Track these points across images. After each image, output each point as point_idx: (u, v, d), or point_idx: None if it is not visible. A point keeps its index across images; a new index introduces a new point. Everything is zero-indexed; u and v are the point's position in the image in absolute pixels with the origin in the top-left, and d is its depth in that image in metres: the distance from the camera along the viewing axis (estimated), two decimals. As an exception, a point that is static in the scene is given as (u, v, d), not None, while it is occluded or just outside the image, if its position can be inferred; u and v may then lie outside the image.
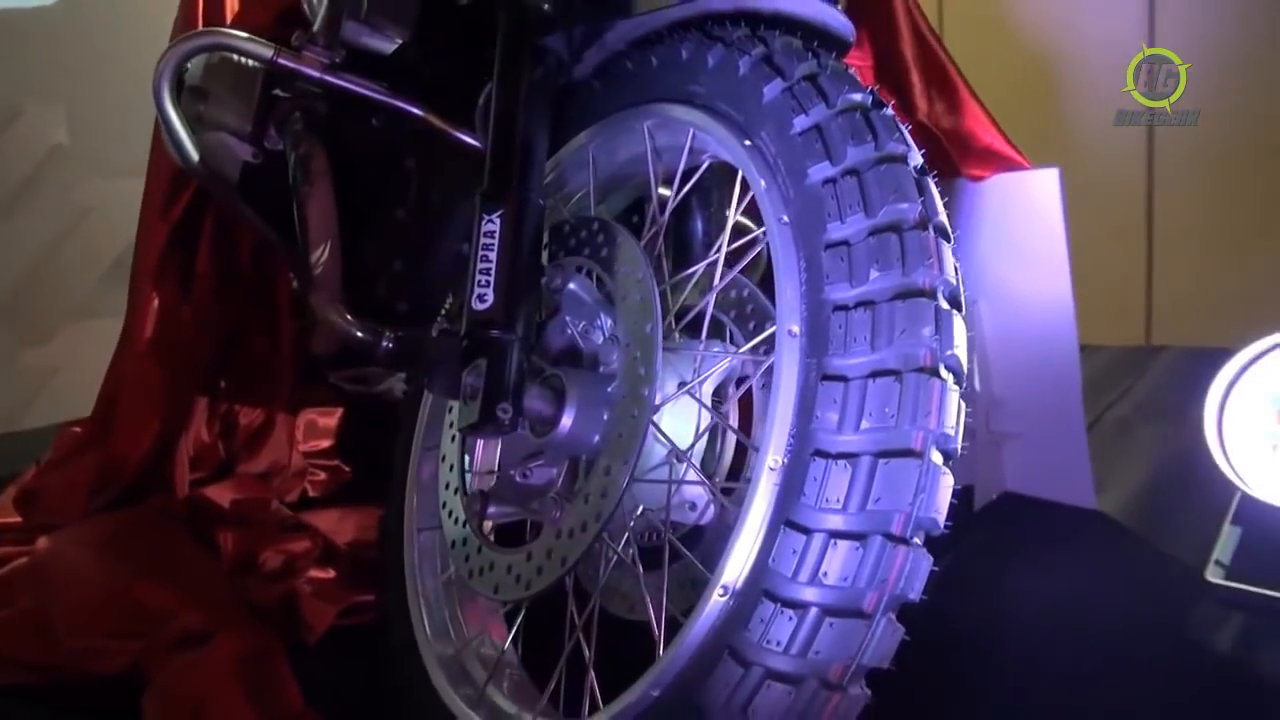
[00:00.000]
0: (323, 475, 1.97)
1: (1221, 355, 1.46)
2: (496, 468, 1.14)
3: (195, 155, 1.37)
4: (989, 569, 1.59)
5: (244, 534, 1.63)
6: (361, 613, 1.45)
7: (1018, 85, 2.94)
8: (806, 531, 0.67)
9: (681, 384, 0.94)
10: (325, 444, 2.06)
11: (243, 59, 1.41)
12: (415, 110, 1.38)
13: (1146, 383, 2.66)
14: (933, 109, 1.62)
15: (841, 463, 0.67)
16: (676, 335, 0.99)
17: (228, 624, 1.31)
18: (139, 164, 2.78)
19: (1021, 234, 1.78)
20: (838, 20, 0.95)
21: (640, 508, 0.94)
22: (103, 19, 2.93)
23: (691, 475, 0.92)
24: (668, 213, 0.98)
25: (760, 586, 0.68)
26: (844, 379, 0.69)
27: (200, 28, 1.71)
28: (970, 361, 1.83)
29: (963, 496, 0.79)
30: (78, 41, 2.91)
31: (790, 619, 0.67)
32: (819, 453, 0.68)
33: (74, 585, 1.45)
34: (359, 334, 1.42)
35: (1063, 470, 1.82)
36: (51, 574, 1.49)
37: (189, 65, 1.43)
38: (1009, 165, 1.74)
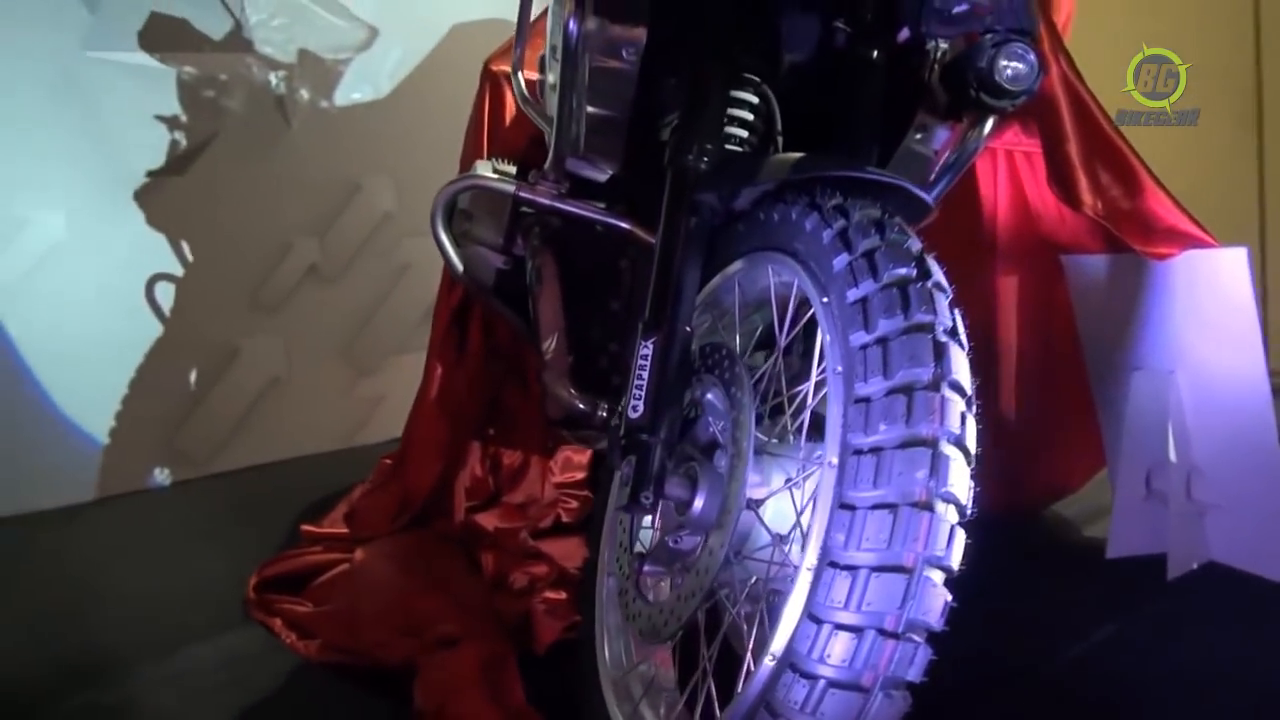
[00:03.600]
0: (574, 504, 2.35)
1: None
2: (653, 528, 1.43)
3: (460, 267, 1.77)
4: (1163, 639, 1.65)
5: (500, 556, 2.03)
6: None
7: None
8: (819, 622, 0.90)
9: (787, 480, 1.18)
10: (578, 476, 2.45)
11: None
12: (624, 224, 1.70)
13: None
14: (1105, 197, 1.70)
15: (844, 572, 0.89)
16: (790, 437, 1.23)
17: (475, 632, 1.69)
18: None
19: (1212, 310, 1.79)
20: (923, 193, 1.14)
21: (755, 577, 1.19)
22: (420, 109, 3.52)
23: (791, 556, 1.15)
24: (783, 343, 1.21)
25: (788, 660, 0.92)
26: (853, 508, 0.91)
27: (484, 145, 2.14)
28: (1166, 430, 1.87)
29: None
30: (402, 127, 3.53)
31: (804, 686, 0.89)
32: (833, 563, 0.91)
33: (376, 590, 1.91)
34: (580, 405, 1.77)
35: (1263, 543, 1.81)
36: (361, 580, 1.96)
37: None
38: (1195, 243, 1.76)
